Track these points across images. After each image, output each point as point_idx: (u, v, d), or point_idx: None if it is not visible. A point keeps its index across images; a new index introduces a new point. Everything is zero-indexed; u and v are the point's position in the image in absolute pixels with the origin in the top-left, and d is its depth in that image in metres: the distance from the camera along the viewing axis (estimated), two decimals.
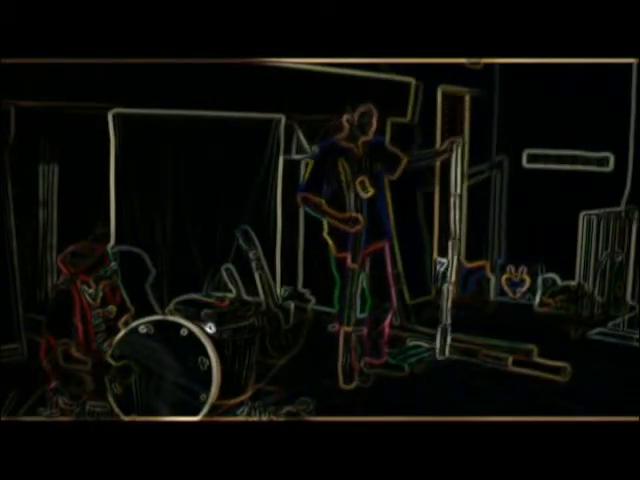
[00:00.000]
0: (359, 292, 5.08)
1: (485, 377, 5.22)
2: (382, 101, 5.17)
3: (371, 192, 4.96)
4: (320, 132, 5.39)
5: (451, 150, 5.32)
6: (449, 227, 5.38)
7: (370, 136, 5.04)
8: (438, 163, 6.26)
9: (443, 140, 6.78)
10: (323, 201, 4.93)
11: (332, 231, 5.01)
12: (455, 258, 5.43)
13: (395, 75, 6.20)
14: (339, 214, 4.93)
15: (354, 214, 4.90)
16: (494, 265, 7.33)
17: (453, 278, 5.46)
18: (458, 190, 5.27)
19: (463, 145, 5.36)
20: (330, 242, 5.02)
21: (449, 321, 5.43)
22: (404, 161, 5.20)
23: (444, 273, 7.33)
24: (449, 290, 5.40)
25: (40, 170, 5.36)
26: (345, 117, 4.99)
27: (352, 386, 4.98)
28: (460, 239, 5.43)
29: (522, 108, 7.08)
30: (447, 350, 5.41)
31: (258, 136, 5.81)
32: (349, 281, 4.96)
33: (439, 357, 5.44)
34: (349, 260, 4.93)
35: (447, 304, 5.41)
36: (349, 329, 5.00)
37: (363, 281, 5.11)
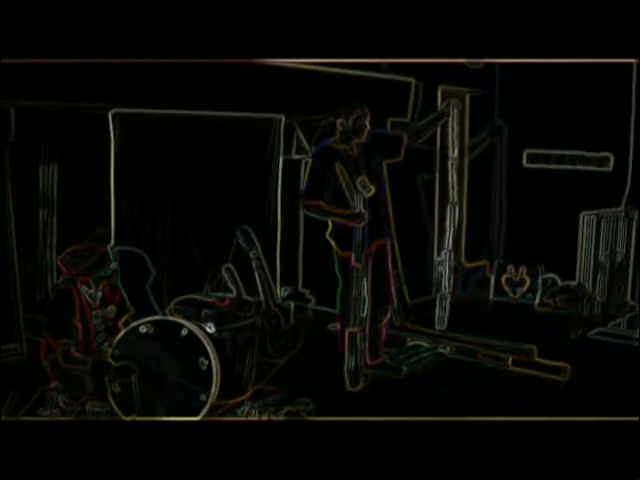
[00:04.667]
0: (364, 291, 5.05)
1: (485, 377, 5.22)
2: (382, 101, 5.16)
3: (373, 190, 4.96)
4: (315, 134, 5.38)
5: (448, 114, 5.31)
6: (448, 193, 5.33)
7: (363, 139, 5.05)
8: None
9: (442, 140, 6.80)
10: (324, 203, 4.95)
11: (335, 232, 5.02)
12: (454, 225, 5.37)
13: (395, 75, 6.20)
14: (344, 211, 4.93)
15: (358, 210, 4.90)
16: (494, 265, 7.33)
17: (451, 245, 5.38)
18: (455, 153, 5.22)
19: (461, 106, 5.31)
20: (333, 243, 5.03)
21: None
22: (405, 139, 5.19)
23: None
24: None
25: (40, 170, 5.36)
26: (339, 121, 5.00)
27: (359, 388, 4.99)
28: (458, 204, 5.38)
29: (522, 108, 7.07)
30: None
31: (258, 136, 5.81)
32: (353, 280, 4.96)
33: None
34: (353, 259, 4.93)
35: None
36: (355, 330, 4.99)
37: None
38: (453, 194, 5.39)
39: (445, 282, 5.43)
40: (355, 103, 5.01)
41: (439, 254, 7.08)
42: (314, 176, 4.99)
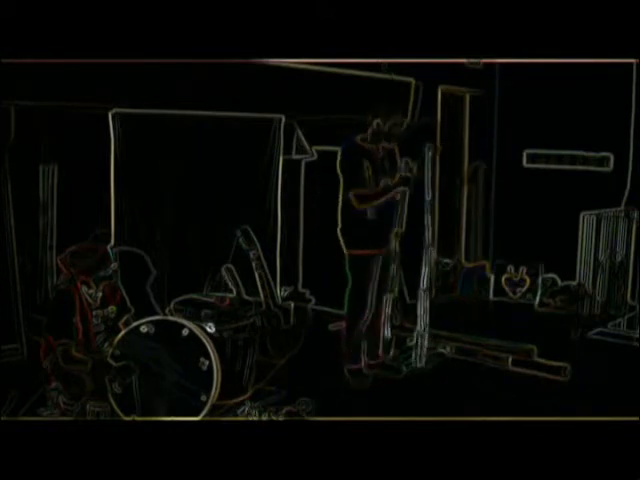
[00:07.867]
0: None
1: (485, 377, 5.23)
2: (382, 101, 5.16)
3: None
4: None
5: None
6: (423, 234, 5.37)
7: (392, 145, 5.08)
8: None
9: (443, 140, 6.81)
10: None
11: (346, 228, 4.98)
12: (429, 267, 5.39)
13: (395, 75, 6.20)
14: (386, 186, 4.96)
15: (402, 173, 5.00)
16: (493, 265, 7.34)
17: (425, 284, 5.37)
18: (429, 197, 5.29)
19: (435, 150, 5.34)
20: (342, 240, 4.99)
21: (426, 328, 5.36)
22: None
23: (444, 273, 7.36)
24: (425, 295, 5.36)
25: (40, 170, 5.35)
26: (376, 121, 4.99)
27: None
28: (432, 246, 5.43)
29: (522, 108, 7.08)
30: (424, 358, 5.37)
31: (258, 136, 5.81)
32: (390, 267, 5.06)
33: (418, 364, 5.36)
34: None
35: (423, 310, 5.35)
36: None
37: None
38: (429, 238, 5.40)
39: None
40: (395, 108, 5.04)
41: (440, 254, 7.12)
42: (347, 172, 4.95)
